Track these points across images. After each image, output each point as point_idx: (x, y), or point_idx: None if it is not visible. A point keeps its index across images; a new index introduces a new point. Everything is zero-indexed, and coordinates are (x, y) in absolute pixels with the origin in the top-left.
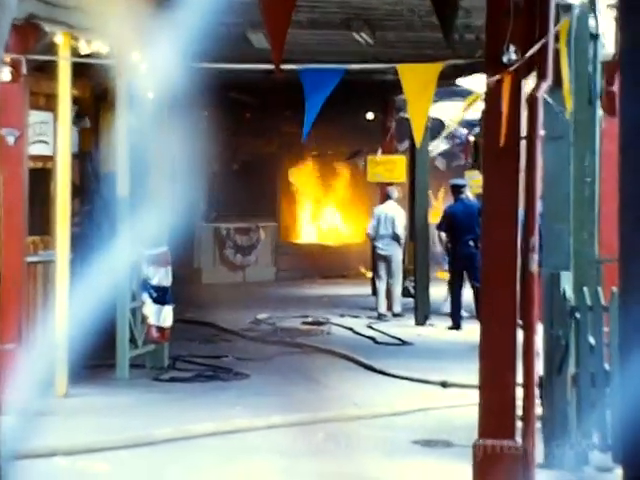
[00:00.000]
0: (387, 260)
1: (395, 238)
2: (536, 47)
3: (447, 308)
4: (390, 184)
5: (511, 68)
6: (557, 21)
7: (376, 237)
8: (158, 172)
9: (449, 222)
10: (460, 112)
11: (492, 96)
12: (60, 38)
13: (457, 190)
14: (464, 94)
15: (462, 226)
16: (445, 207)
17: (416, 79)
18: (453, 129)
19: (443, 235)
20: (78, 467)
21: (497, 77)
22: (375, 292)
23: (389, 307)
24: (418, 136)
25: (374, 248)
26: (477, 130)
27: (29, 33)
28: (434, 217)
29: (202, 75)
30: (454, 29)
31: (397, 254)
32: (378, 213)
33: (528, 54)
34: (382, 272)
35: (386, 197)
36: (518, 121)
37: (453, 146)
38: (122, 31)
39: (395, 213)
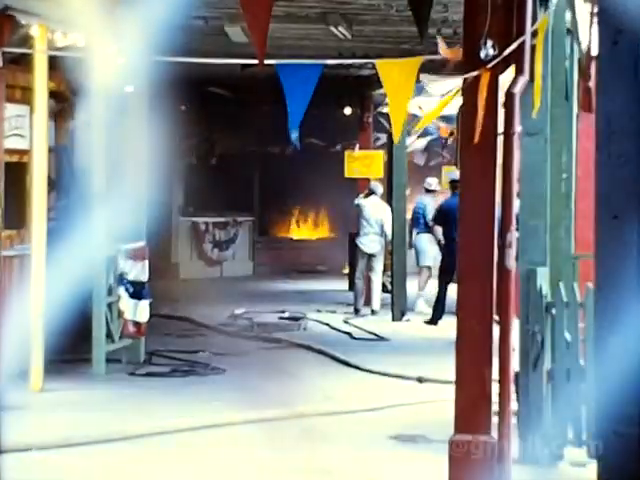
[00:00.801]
0: (370, 257)
1: (382, 235)
2: (514, 45)
3: (420, 306)
4: (368, 179)
5: (489, 65)
6: (534, 16)
7: (359, 233)
8: (134, 166)
9: (444, 216)
10: (436, 110)
11: (469, 92)
12: (36, 30)
13: (454, 185)
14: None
15: (456, 221)
16: (441, 201)
17: (395, 74)
18: (427, 125)
19: (438, 230)
20: (53, 462)
21: (475, 73)
22: (352, 287)
23: (366, 304)
24: (397, 132)
25: (355, 244)
26: (453, 125)
27: (4, 25)
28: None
29: (179, 69)
30: (428, 24)
31: (380, 251)
32: (362, 207)
33: (507, 51)
34: (361, 268)
35: (369, 192)
36: (495, 117)
37: (430, 142)
38: (96, 24)
39: (382, 211)
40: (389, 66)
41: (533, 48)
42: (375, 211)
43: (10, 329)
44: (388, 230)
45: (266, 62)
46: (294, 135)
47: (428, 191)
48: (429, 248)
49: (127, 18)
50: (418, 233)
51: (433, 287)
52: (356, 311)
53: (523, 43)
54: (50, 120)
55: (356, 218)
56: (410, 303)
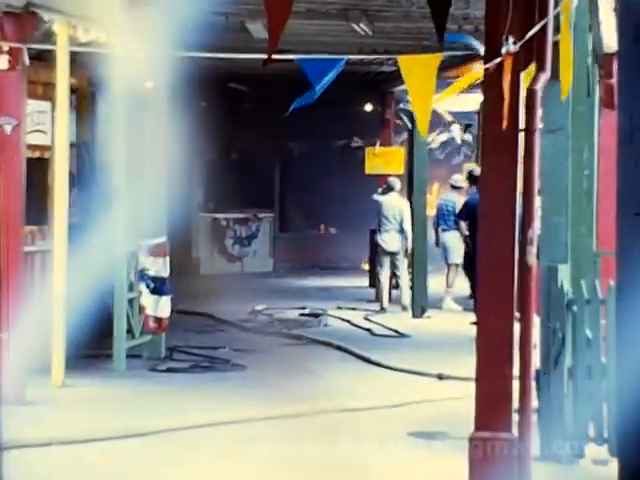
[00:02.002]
0: (392, 254)
1: (401, 232)
2: (534, 30)
3: (448, 303)
4: (389, 175)
5: (506, 52)
6: (556, 13)
7: (380, 230)
8: (155, 162)
9: (469, 212)
10: (448, 98)
11: (490, 87)
12: (58, 27)
13: (473, 178)
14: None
15: None
16: (467, 197)
17: (417, 70)
18: (447, 120)
19: (463, 225)
20: (74, 457)
21: (497, 60)
22: (372, 284)
23: (389, 300)
24: (423, 128)
25: (376, 241)
26: (473, 123)
27: (27, 22)
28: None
29: (201, 65)
30: (447, 20)
31: (402, 248)
32: (381, 203)
33: (527, 36)
34: (386, 266)
35: (387, 188)
36: (516, 113)
37: (450, 139)
38: (118, 20)
39: (402, 207)
40: (411, 62)
41: (555, 44)
42: (394, 207)
43: (32, 324)
44: (408, 228)
45: (275, 57)
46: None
47: (454, 188)
48: (458, 245)
49: (149, 14)
50: (444, 230)
51: (461, 284)
52: (382, 309)
53: (544, 40)
54: (71, 116)
55: (376, 214)
56: (433, 300)
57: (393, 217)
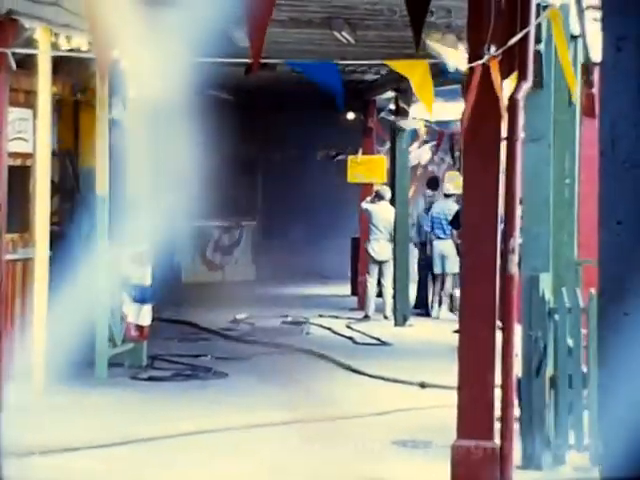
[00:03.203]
0: (381, 263)
1: (392, 241)
2: (516, 38)
3: (443, 312)
4: (371, 184)
5: (488, 57)
6: (538, 24)
7: (369, 239)
8: (138, 170)
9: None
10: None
11: (472, 96)
12: (40, 34)
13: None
14: (443, 94)
15: None
16: (460, 206)
17: (415, 72)
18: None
19: (455, 233)
20: (54, 465)
21: (482, 61)
22: (355, 292)
23: (363, 308)
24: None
25: (366, 250)
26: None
27: (8, 29)
28: None
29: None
30: (423, 28)
31: (391, 257)
32: (371, 213)
33: (509, 44)
34: (374, 274)
35: (377, 197)
36: (498, 122)
37: (432, 148)
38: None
39: (392, 216)
40: (408, 66)
41: (537, 54)
42: (384, 217)
43: (13, 333)
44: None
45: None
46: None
47: (447, 196)
48: (455, 254)
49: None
50: (441, 239)
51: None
52: (365, 317)
53: (526, 49)
54: (53, 124)
55: (359, 223)
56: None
57: (384, 227)
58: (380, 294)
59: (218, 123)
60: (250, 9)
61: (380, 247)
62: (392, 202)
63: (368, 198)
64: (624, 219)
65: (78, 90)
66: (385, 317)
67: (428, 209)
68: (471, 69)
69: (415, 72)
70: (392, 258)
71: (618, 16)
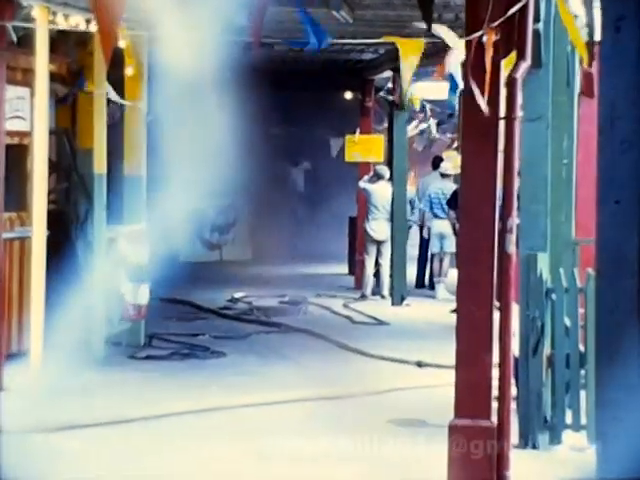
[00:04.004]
0: (379, 243)
1: (391, 221)
2: (512, 10)
3: (441, 292)
4: (368, 163)
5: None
6: (537, 1)
7: (368, 218)
8: (140, 148)
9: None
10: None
11: (469, 72)
12: (37, 11)
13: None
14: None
15: None
16: (457, 186)
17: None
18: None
19: (452, 213)
20: (51, 444)
21: (479, 33)
22: (352, 272)
23: (360, 287)
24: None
25: (364, 229)
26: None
27: (5, 6)
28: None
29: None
30: (433, 9)
31: (389, 237)
32: (370, 192)
33: (502, 18)
34: (372, 254)
35: (375, 176)
36: (497, 102)
37: (429, 127)
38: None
39: (391, 196)
40: (406, 44)
41: (535, 33)
42: (383, 196)
43: (10, 312)
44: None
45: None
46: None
47: (444, 176)
48: (452, 234)
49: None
50: (440, 218)
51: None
52: (363, 296)
53: (525, 28)
54: (51, 102)
55: (356, 202)
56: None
57: (382, 206)
58: (377, 274)
59: (216, 102)
60: None
61: (379, 227)
62: (390, 181)
63: (366, 177)
64: (622, 199)
65: (75, 68)
66: (382, 297)
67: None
68: (469, 47)
69: (412, 50)
70: (390, 238)
71: None
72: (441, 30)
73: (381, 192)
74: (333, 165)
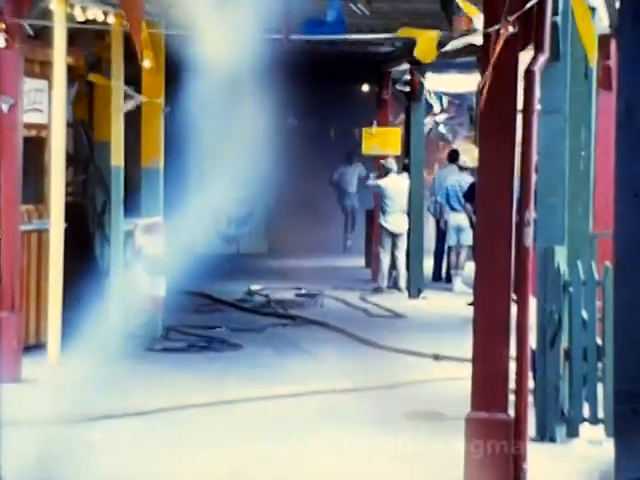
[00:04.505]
0: (395, 236)
1: (407, 213)
2: (530, 3)
3: (458, 285)
4: (384, 157)
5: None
6: None
7: (384, 212)
8: (154, 142)
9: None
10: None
11: (487, 67)
12: (55, 5)
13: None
14: (462, 66)
15: None
16: (474, 179)
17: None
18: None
19: (469, 207)
20: (69, 436)
21: (497, 27)
22: (369, 264)
23: (379, 281)
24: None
25: (380, 223)
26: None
27: (23, 0)
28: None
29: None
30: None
31: (406, 230)
32: (384, 187)
33: (521, 11)
34: (388, 247)
35: (384, 171)
36: (514, 94)
37: (448, 119)
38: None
39: (405, 187)
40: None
41: (553, 26)
42: (398, 189)
43: (29, 304)
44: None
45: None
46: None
47: (462, 169)
48: (469, 227)
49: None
50: (457, 211)
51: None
52: (379, 288)
53: (543, 21)
54: (69, 95)
55: (373, 196)
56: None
57: (398, 199)
58: (393, 266)
59: (233, 94)
60: None
61: (396, 220)
62: (407, 172)
63: (372, 175)
64: None
65: (91, 61)
66: (399, 289)
67: None
68: (487, 39)
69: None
70: (407, 230)
71: None
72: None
73: (395, 185)
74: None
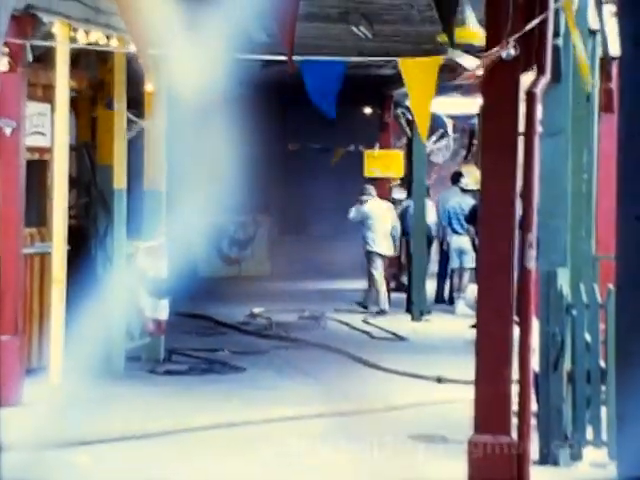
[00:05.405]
0: (385, 258)
1: (392, 236)
2: (530, 25)
3: (461, 308)
4: (388, 179)
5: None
6: (556, 16)
7: (371, 237)
8: (153, 164)
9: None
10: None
11: (489, 90)
12: (58, 28)
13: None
14: (461, 89)
15: None
16: (476, 201)
17: (418, 73)
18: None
19: (472, 229)
20: (70, 459)
21: (495, 52)
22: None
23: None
24: (423, 130)
25: (369, 248)
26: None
27: (27, 24)
28: None
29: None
30: (453, 23)
31: (392, 253)
32: (369, 212)
33: (522, 32)
34: (380, 269)
35: (365, 195)
36: (516, 117)
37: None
38: (144, 21)
39: (390, 210)
40: (411, 65)
41: (555, 48)
42: (383, 213)
43: (31, 327)
44: (398, 231)
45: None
46: (329, 114)
47: (464, 191)
48: (471, 249)
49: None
50: (459, 234)
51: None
52: (382, 312)
53: (544, 43)
54: (71, 118)
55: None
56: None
57: (382, 223)
58: (403, 288)
59: (235, 118)
60: (277, 7)
61: (384, 243)
62: (409, 196)
63: (352, 209)
64: None
65: (94, 84)
66: (365, 307)
67: (403, 216)
68: (487, 62)
69: (422, 71)
70: (409, 253)
71: (636, 11)
72: (457, 54)
73: (381, 210)
74: (352, 181)
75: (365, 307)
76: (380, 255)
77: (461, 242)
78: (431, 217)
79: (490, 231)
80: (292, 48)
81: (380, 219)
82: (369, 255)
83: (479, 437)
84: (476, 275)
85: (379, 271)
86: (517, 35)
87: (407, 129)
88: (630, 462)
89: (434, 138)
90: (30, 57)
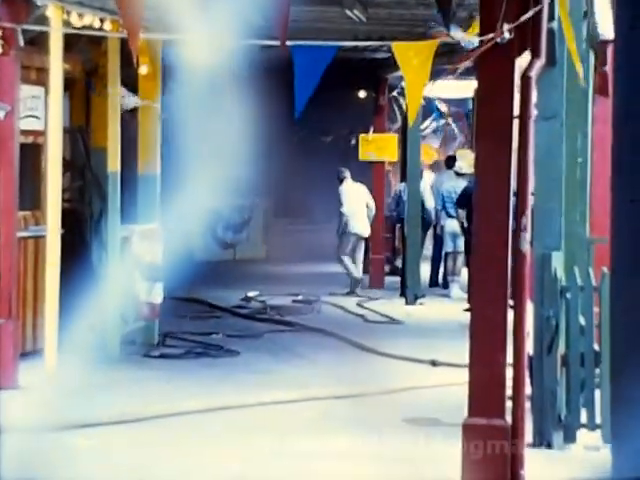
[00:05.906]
0: (360, 239)
1: (368, 216)
2: (527, 15)
3: (455, 291)
4: (382, 163)
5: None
6: (551, 1)
7: (350, 218)
8: (150, 147)
9: (469, 200)
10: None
11: (484, 74)
12: (52, 11)
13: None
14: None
15: None
16: (467, 185)
17: (412, 57)
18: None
19: (461, 212)
20: (66, 443)
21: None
22: (366, 270)
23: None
24: (412, 114)
25: (349, 230)
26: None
27: (20, 6)
28: None
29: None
30: (451, 7)
31: (369, 233)
32: (347, 194)
33: (520, 21)
34: (350, 252)
35: (341, 179)
36: (511, 100)
37: (444, 125)
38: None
39: (365, 191)
40: (406, 49)
41: (549, 32)
42: (360, 194)
43: (24, 310)
44: (372, 206)
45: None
46: (298, 111)
47: (459, 175)
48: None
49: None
50: (449, 216)
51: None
52: (352, 292)
53: (539, 26)
54: (65, 101)
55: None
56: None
57: (360, 204)
58: (397, 272)
59: (230, 101)
60: None
61: (364, 224)
62: (402, 179)
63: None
64: (637, 197)
65: (89, 67)
66: (353, 293)
67: (397, 202)
68: (483, 46)
69: (417, 55)
70: (403, 236)
71: None
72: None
73: (355, 191)
74: (347, 165)
75: (353, 292)
76: (359, 237)
77: (455, 226)
78: (430, 202)
79: (485, 214)
80: (285, 32)
81: (358, 201)
82: (342, 237)
83: (473, 420)
84: (466, 258)
85: (355, 252)
86: (514, 25)
87: (398, 113)
88: (623, 445)
89: (427, 122)
90: (21, 41)
